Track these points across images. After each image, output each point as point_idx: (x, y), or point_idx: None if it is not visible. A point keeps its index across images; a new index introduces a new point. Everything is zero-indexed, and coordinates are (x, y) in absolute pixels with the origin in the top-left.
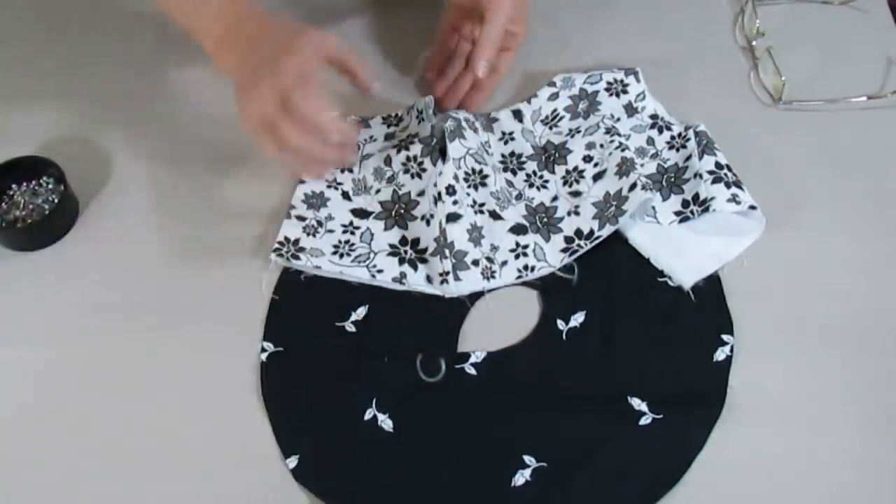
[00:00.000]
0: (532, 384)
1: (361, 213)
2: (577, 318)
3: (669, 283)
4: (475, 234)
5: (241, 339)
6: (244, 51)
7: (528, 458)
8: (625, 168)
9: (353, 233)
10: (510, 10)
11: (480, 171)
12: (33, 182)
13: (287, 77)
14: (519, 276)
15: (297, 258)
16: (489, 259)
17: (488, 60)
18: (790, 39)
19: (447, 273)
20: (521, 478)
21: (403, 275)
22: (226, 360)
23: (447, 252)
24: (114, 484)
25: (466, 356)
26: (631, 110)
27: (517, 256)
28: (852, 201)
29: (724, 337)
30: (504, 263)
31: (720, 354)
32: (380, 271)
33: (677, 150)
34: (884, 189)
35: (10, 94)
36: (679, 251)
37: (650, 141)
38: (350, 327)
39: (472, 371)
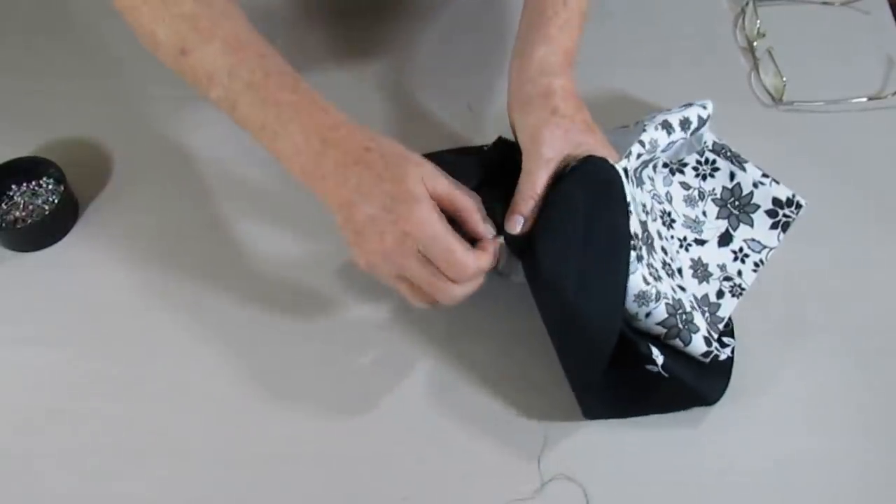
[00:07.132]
0: None
1: None
2: None
3: None
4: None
5: (242, 339)
6: (341, 183)
7: None
8: (701, 272)
9: None
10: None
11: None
12: (33, 182)
13: (418, 232)
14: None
15: None
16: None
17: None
18: (791, 40)
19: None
20: None
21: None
22: (226, 360)
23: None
24: (115, 483)
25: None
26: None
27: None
28: (852, 201)
29: (725, 339)
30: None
31: (721, 356)
32: None
33: (712, 175)
34: (884, 189)
35: (10, 94)
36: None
37: (689, 200)
38: None
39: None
